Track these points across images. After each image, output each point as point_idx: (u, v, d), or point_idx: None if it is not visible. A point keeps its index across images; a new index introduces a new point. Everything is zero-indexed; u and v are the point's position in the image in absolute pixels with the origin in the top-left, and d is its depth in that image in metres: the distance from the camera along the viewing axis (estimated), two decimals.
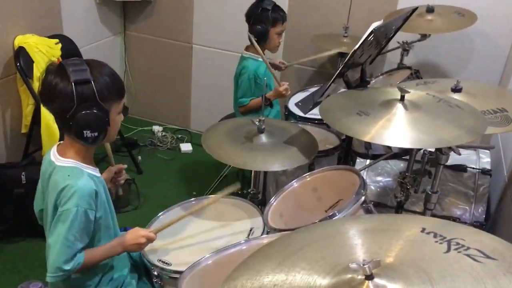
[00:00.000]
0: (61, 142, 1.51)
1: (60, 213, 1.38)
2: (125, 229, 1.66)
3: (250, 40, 2.45)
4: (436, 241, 0.88)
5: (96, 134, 1.37)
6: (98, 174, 1.51)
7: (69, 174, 1.40)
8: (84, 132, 1.36)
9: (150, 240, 1.53)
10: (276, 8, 2.59)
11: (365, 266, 0.78)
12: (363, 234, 0.95)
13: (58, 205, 1.39)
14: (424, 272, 0.79)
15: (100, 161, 2.65)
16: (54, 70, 1.38)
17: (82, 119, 1.34)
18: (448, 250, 0.85)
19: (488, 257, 0.82)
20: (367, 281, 0.78)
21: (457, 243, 0.86)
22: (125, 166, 1.71)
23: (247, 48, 2.68)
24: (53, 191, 1.40)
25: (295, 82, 3.31)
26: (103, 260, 1.49)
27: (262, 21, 2.54)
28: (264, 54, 2.55)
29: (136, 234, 1.52)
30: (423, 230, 0.92)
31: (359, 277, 0.79)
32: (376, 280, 0.78)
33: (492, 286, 0.75)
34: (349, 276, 0.81)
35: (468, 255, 0.83)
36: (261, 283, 0.88)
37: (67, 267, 1.37)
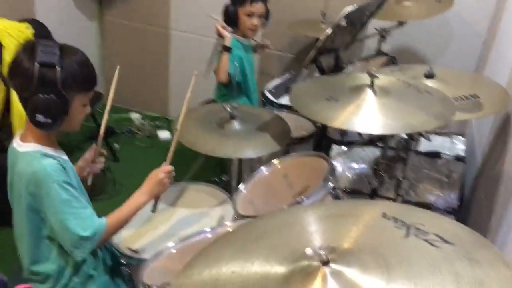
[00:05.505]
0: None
1: (42, 198, 1.34)
2: None
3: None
4: (396, 226, 0.87)
5: (49, 120, 1.32)
6: (64, 157, 1.45)
7: (31, 158, 1.36)
8: (37, 115, 1.31)
9: (168, 172, 1.50)
10: None
11: (320, 251, 0.77)
12: (323, 221, 0.94)
13: (33, 192, 1.35)
14: (381, 257, 0.79)
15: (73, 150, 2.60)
16: (25, 46, 1.35)
17: (37, 102, 1.30)
18: (407, 235, 0.84)
19: (445, 241, 0.81)
20: (323, 267, 0.77)
21: (417, 228, 0.86)
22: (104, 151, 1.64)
23: None
24: (22, 179, 1.36)
25: (274, 69, 3.27)
26: (132, 216, 1.45)
27: (231, 1, 2.48)
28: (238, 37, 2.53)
29: (152, 174, 1.49)
30: (383, 215, 0.91)
31: (315, 263, 0.78)
32: (332, 265, 0.77)
33: (447, 270, 0.75)
34: (306, 262, 0.80)
35: (426, 240, 0.82)
36: (219, 271, 0.86)
37: (86, 233, 1.34)
